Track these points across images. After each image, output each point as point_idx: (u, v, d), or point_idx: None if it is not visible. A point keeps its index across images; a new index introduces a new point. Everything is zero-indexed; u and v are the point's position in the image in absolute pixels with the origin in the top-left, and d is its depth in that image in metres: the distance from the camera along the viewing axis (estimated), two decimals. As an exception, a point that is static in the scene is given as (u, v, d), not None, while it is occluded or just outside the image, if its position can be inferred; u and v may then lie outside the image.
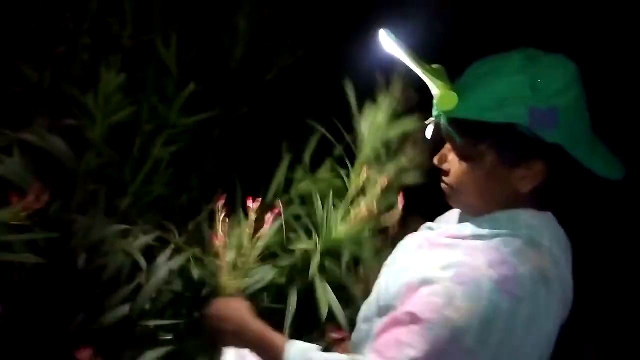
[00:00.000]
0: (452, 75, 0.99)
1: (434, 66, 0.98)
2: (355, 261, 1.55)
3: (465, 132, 0.94)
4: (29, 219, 1.17)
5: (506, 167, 0.94)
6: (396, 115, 1.60)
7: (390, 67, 1.56)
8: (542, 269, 0.92)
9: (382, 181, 1.50)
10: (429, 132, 1.02)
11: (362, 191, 1.54)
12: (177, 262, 1.35)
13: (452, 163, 1.00)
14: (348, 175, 1.60)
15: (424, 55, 0.98)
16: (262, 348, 1.10)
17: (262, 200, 1.33)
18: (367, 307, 1.06)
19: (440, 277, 0.92)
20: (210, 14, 1.94)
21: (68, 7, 1.78)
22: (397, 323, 0.92)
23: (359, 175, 1.55)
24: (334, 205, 1.52)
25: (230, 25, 1.92)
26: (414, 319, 0.90)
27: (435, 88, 0.95)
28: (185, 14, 1.83)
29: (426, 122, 1.01)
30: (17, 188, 1.35)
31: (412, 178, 1.62)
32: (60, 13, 1.78)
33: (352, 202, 1.54)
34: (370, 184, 1.54)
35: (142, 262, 1.38)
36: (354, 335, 1.10)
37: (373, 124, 1.60)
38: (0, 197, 1.37)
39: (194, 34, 1.86)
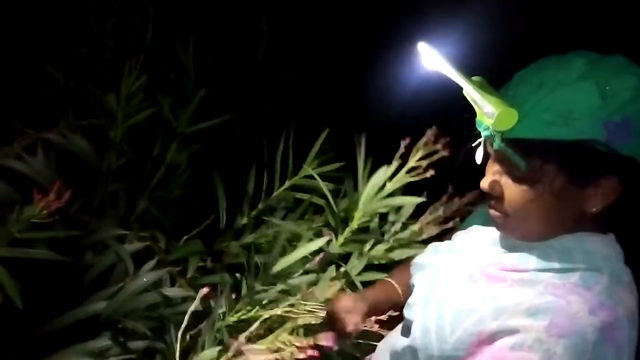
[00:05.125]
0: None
1: (474, 79, 0.86)
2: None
3: (528, 152, 0.82)
4: (51, 217, 1.19)
5: (577, 188, 0.82)
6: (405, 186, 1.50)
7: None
8: (632, 308, 0.83)
9: None
10: (479, 155, 0.89)
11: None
12: (156, 275, 1.36)
13: (506, 187, 0.86)
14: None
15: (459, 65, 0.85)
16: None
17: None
18: (410, 351, 0.92)
19: (527, 325, 0.79)
20: (233, 15, 1.96)
21: (92, 9, 1.80)
22: None
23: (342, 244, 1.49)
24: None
25: (253, 26, 1.94)
26: None
27: (489, 105, 0.82)
28: (208, 15, 1.84)
29: (473, 145, 0.90)
30: (40, 187, 1.37)
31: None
32: (84, 15, 1.81)
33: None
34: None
35: (130, 266, 1.39)
36: None
37: (374, 187, 1.50)
38: (24, 195, 1.40)
39: (216, 35, 1.87)
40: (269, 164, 1.64)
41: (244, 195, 1.68)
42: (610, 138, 0.78)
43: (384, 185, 1.50)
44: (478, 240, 0.98)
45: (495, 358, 0.80)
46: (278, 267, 1.37)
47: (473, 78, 0.86)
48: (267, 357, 1.06)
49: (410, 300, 0.98)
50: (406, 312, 0.98)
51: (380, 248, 1.54)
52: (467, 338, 0.84)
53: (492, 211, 0.90)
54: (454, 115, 1.00)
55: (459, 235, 1.04)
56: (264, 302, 1.34)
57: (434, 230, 1.51)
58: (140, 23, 1.79)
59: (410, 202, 1.52)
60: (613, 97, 0.79)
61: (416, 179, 1.46)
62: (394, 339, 1.01)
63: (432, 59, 0.87)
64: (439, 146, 1.43)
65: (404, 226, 1.56)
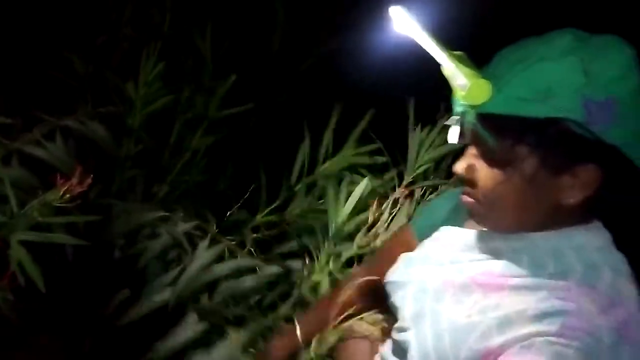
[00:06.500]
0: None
1: (456, 53, 0.81)
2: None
3: (500, 130, 0.76)
4: (72, 201, 1.21)
5: (551, 174, 0.76)
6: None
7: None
8: (638, 299, 0.77)
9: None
10: (453, 135, 0.83)
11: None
12: (214, 251, 1.36)
13: (480, 171, 0.81)
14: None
15: (442, 40, 0.80)
16: None
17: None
18: None
19: (537, 331, 0.73)
20: (248, 2, 1.97)
21: (110, -3, 1.82)
22: None
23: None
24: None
25: (268, 13, 1.95)
26: None
27: (462, 77, 0.76)
28: (224, 3, 1.85)
29: (446, 123, 0.83)
30: (59, 172, 1.39)
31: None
32: (102, 3, 1.82)
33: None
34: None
35: (187, 246, 1.39)
36: None
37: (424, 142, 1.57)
38: (42, 181, 1.42)
39: (232, 23, 1.88)
40: (313, 144, 1.65)
41: (282, 171, 1.70)
42: (591, 120, 0.71)
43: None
44: (451, 247, 0.90)
45: None
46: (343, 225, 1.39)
47: (454, 53, 0.81)
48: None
49: (399, 323, 0.90)
50: (397, 336, 0.91)
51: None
52: (472, 355, 0.77)
53: (463, 197, 0.84)
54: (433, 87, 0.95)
55: (426, 244, 0.97)
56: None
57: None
58: (157, 11, 1.80)
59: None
60: (597, 75, 0.72)
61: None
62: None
63: (405, 24, 0.81)
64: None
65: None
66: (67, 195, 1.15)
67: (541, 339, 0.72)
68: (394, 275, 0.95)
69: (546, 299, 0.75)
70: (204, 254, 1.33)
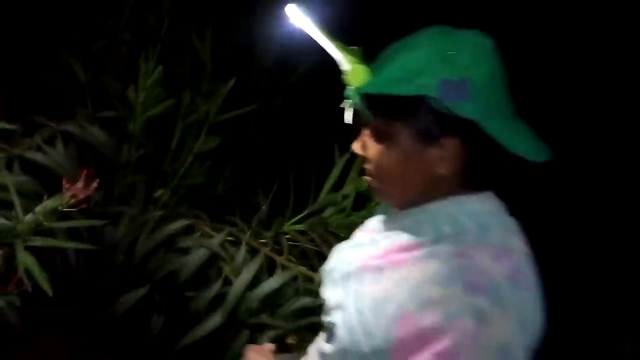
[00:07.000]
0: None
1: (350, 47, 0.94)
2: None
3: (378, 108, 0.89)
4: (77, 206, 1.21)
5: (422, 146, 0.87)
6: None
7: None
8: (529, 254, 0.87)
9: None
10: (347, 116, 0.95)
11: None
12: (257, 263, 1.35)
13: (370, 148, 0.93)
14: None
15: (339, 37, 0.95)
16: None
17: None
18: (341, 355, 0.91)
19: (446, 295, 0.80)
20: (245, 6, 1.97)
21: (107, 2, 1.81)
22: None
23: None
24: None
25: (264, 18, 1.94)
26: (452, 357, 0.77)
27: (345, 63, 0.92)
28: (221, 7, 1.85)
29: (340, 105, 0.95)
30: (64, 178, 1.39)
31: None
32: (100, 7, 1.82)
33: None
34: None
35: (224, 256, 1.39)
36: None
37: None
38: (44, 186, 1.42)
39: (229, 27, 1.88)
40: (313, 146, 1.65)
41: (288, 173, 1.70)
42: (446, 96, 0.84)
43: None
44: (372, 231, 1.00)
45: (434, 343, 0.79)
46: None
47: (349, 47, 0.94)
48: None
49: (328, 306, 0.97)
50: (327, 319, 0.97)
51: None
52: (393, 326, 0.83)
53: (364, 176, 0.96)
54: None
55: (357, 234, 1.05)
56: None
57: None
58: (155, 16, 1.80)
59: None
60: (453, 60, 0.86)
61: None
62: (321, 345, 1.00)
63: (299, 20, 0.95)
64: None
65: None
66: (73, 201, 1.14)
67: (454, 305, 0.79)
68: (326, 264, 1.03)
69: (445, 262, 0.83)
70: (245, 265, 1.31)
